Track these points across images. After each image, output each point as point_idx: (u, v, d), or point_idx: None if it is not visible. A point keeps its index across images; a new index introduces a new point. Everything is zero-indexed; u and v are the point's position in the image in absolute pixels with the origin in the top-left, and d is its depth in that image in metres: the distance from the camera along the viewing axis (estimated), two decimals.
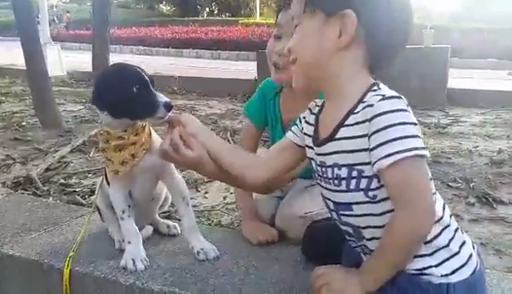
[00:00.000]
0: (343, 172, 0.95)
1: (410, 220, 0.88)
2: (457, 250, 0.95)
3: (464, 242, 0.98)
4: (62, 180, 2.65)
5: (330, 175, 0.99)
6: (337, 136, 0.96)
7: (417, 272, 0.94)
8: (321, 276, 1.03)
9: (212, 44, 14.10)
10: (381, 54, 0.98)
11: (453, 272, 0.93)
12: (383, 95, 0.89)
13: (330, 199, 1.03)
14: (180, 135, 1.15)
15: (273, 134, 1.67)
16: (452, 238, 0.96)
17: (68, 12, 23.08)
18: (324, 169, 1.01)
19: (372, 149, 0.88)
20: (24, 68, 4.17)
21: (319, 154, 1.02)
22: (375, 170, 0.89)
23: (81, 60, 9.27)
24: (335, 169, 0.97)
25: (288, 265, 1.35)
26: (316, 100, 1.12)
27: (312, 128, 1.07)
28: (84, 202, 2.29)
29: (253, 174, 1.17)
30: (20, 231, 1.64)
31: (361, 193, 0.94)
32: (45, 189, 2.50)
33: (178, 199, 1.46)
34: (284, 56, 1.42)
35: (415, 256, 0.93)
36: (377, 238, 0.96)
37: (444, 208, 0.98)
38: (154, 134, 1.40)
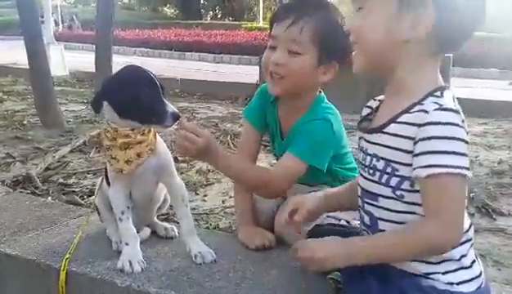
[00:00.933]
0: (380, 165, 0.97)
1: (437, 232, 0.88)
2: (469, 264, 0.97)
3: (474, 261, 0.99)
4: (61, 180, 2.65)
5: (367, 163, 1.01)
6: (385, 130, 0.97)
7: (421, 274, 0.94)
8: (306, 246, 1.05)
9: (215, 48, 14.11)
10: (450, 42, 0.95)
11: (460, 283, 0.94)
12: (440, 105, 0.89)
13: (360, 185, 1.05)
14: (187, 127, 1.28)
15: (273, 139, 1.67)
16: (465, 255, 0.97)
17: (76, 16, 23.38)
18: (364, 156, 1.03)
19: (416, 155, 0.89)
20: (27, 67, 4.17)
21: (365, 141, 1.04)
22: (413, 175, 0.90)
23: (83, 60, 9.29)
24: (374, 159, 0.99)
25: (285, 271, 1.35)
26: (379, 97, 1.12)
27: (369, 110, 1.09)
28: (83, 202, 2.29)
29: None
30: (18, 230, 1.64)
31: (390, 189, 0.95)
32: (44, 188, 2.50)
33: (178, 201, 1.46)
34: (280, 66, 1.43)
35: (423, 261, 0.93)
36: None
37: (470, 227, 0.99)
38: (158, 136, 1.42)
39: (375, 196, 0.99)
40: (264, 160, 2.79)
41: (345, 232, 1.27)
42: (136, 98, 1.28)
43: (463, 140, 0.87)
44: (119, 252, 1.39)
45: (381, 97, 1.09)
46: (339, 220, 1.42)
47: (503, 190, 2.63)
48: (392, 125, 0.95)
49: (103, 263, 1.38)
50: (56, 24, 18.21)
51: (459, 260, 0.96)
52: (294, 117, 1.52)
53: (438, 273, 0.94)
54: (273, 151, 1.74)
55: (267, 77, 1.50)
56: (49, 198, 2.34)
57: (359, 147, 1.08)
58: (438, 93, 0.93)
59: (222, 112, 5.09)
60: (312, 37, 1.40)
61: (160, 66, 10.41)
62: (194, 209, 2.17)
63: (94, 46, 5.19)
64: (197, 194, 2.48)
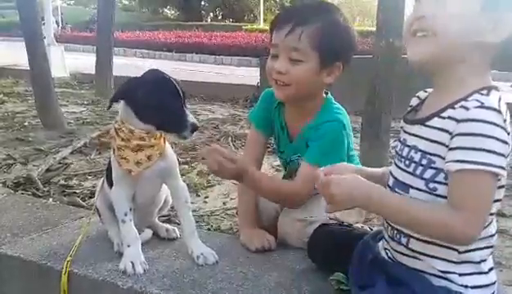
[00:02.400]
0: (417, 157, 0.97)
1: (457, 225, 0.87)
2: (486, 270, 0.96)
3: (492, 268, 0.99)
4: (62, 182, 2.65)
5: (404, 154, 1.01)
6: (428, 123, 0.97)
7: (438, 273, 0.94)
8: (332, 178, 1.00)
9: (215, 49, 14.14)
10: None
11: (475, 287, 0.94)
12: (482, 103, 0.88)
13: (393, 175, 1.05)
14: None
15: (279, 142, 1.67)
16: (485, 260, 0.97)
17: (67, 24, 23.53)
18: (402, 147, 1.03)
19: (450, 149, 0.89)
20: (28, 68, 4.17)
21: (405, 132, 1.04)
22: (445, 168, 0.90)
23: (84, 61, 9.30)
24: (412, 151, 0.99)
25: (287, 272, 1.35)
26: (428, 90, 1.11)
27: (418, 101, 1.09)
28: (84, 203, 2.29)
29: None
30: (19, 232, 1.64)
31: (423, 181, 0.95)
32: (45, 189, 2.50)
33: (181, 203, 1.46)
34: (283, 74, 1.43)
35: (442, 258, 0.93)
36: None
37: (496, 232, 0.99)
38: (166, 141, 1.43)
39: (407, 187, 0.99)
40: (265, 161, 2.79)
41: (350, 233, 1.27)
42: (158, 104, 1.29)
43: (500, 140, 0.86)
44: (121, 254, 1.39)
45: (430, 90, 1.09)
46: (342, 222, 1.42)
47: (505, 192, 2.62)
48: (436, 119, 0.95)
49: (105, 265, 1.38)
50: (58, 24, 18.28)
51: (478, 263, 0.95)
52: (302, 119, 1.53)
53: (455, 273, 0.94)
54: (278, 153, 1.74)
55: (272, 84, 1.51)
56: (50, 199, 2.33)
57: (399, 138, 1.08)
58: (485, 91, 0.92)
59: (223, 114, 5.09)
60: (311, 42, 1.40)
61: (161, 68, 10.43)
62: (195, 211, 2.17)
63: (94, 48, 5.20)
64: (198, 196, 2.48)
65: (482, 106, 0.88)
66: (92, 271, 1.35)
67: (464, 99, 0.91)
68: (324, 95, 1.56)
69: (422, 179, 0.95)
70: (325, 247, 1.32)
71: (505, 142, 0.86)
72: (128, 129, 1.34)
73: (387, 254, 1.08)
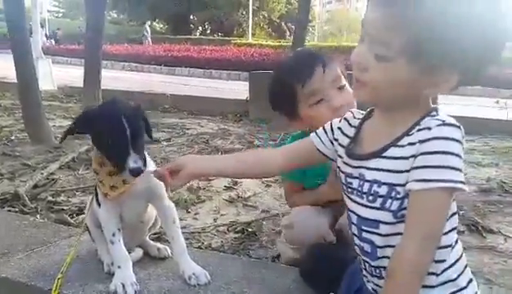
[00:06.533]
0: (383, 190, 0.94)
1: (415, 245, 0.87)
2: (465, 285, 0.96)
3: (471, 279, 0.98)
4: (50, 198, 2.60)
5: (365, 190, 0.98)
6: (385, 154, 0.95)
7: None
8: None
9: (204, 63, 14.18)
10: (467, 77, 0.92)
11: None
12: (443, 121, 0.89)
13: (354, 212, 1.01)
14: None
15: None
16: (461, 273, 0.96)
17: (59, 29, 23.85)
18: (361, 182, 0.99)
19: (414, 168, 0.88)
20: (15, 81, 4.13)
21: (357, 167, 1.00)
22: (406, 188, 0.89)
23: (71, 74, 9.25)
24: (375, 185, 0.96)
25: (281, 292, 1.34)
26: (354, 111, 1.11)
27: (349, 140, 1.07)
28: (72, 221, 2.25)
29: (266, 173, 1.33)
30: (7, 251, 1.60)
31: (391, 214, 0.94)
32: (32, 206, 2.45)
33: (168, 224, 1.45)
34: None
35: (424, 286, 0.92)
36: None
37: (457, 242, 0.98)
38: (148, 158, 1.38)
39: (376, 223, 0.97)
40: None
41: (344, 254, 1.26)
42: (103, 142, 1.29)
43: (459, 156, 0.87)
44: (112, 274, 1.37)
45: (359, 116, 1.08)
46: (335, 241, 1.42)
47: (492, 208, 2.65)
48: (393, 148, 0.94)
49: (95, 285, 1.36)
50: (47, 37, 18.33)
51: (456, 280, 0.95)
52: None
53: None
54: None
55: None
56: (38, 216, 2.30)
57: (344, 176, 1.04)
58: (434, 112, 0.93)
59: (213, 128, 5.09)
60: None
61: (150, 81, 10.41)
62: (185, 227, 2.15)
63: (82, 61, 5.16)
64: (188, 212, 2.46)
65: (444, 124, 0.89)
66: (82, 292, 1.33)
67: (418, 123, 0.92)
68: None
69: (390, 211, 0.94)
70: (319, 267, 1.31)
71: (461, 157, 0.88)
72: (100, 155, 1.35)
73: (371, 286, 1.07)
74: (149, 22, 25.83)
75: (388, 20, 0.87)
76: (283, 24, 31.59)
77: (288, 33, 29.47)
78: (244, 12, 28.51)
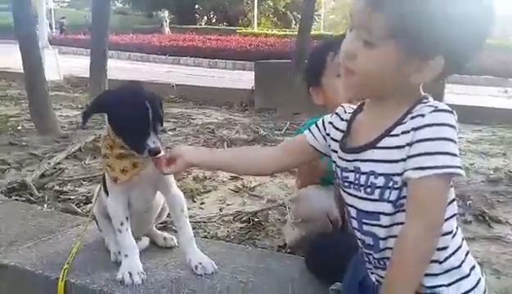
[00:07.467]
0: (380, 181, 0.93)
1: (422, 233, 0.86)
2: (468, 272, 0.95)
3: (474, 266, 0.98)
4: (57, 187, 2.62)
5: (362, 182, 0.96)
6: (379, 145, 0.94)
7: (428, 290, 0.93)
8: None
9: (209, 53, 14.14)
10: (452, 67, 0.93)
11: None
12: (435, 107, 0.88)
13: (353, 206, 1.00)
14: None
15: None
16: (464, 261, 0.96)
17: (64, 18, 23.92)
18: (357, 175, 0.98)
19: (410, 157, 0.88)
20: (21, 71, 4.14)
21: (352, 160, 0.99)
22: (404, 177, 0.89)
23: (77, 64, 9.26)
24: (371, 177, 0.95)
25: (287, 282, 1.34)
26: (345, 105, 1.10)
27: (341, 134, 1.06)
28: (79, 210, 2.27)
29: (262, 171, 1.28)
30: (15, 240, 1.61)
31: (390, 204, 0.93)
32: (40, 195, 2.47)
33: (176, 212, 1.45)
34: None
35: (428, 275, 0.92)
36: None
37: (457, 229, 0.98)
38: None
39: (376, 215, 0.95)
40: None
41: (349, 243, 1.25)
42: (123, 123, 1.29)
43: (454, 141, 0.86)
44: (119, 263, 1.38)
45: (350, 110, 1.07)
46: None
47: (499, 198, 2.64)
48: (387, 138, 0.93)
49: (102, 274, 1.37)
50: (51, 27, 18.36)
51: (460, 267, 0.94)
52: None
53: (443, 285, 0.93)
54: None
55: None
56: (45, 205, 2.31)
57: (340, 170, 1.03)
58: (425, 100, 0.93)
59: (218, 118, 5.08)
60: None
61: (155, 71, 10.40)
62: (191, 217, 2.16)
63: (87, 51, 5.16)
64: (194, 202, 2.47)
65: (437, 110, 0.88)
66: (89, 281, 1.34)
67: (409, 111, 0.91)
68: None
69: (389, 202, 0.93)
70: (324, 257, 1.31)
71: (456, 142, 0.87)
72: (112, 137, 1.34)
73: (374, 277, 1.06)
74: (166, 12, 25.89)
75: (371, 2, 0.88)
76: (289, 13, 31.39)
77: (294, 22, 29.28)
78: (249, 1, 28.35)
